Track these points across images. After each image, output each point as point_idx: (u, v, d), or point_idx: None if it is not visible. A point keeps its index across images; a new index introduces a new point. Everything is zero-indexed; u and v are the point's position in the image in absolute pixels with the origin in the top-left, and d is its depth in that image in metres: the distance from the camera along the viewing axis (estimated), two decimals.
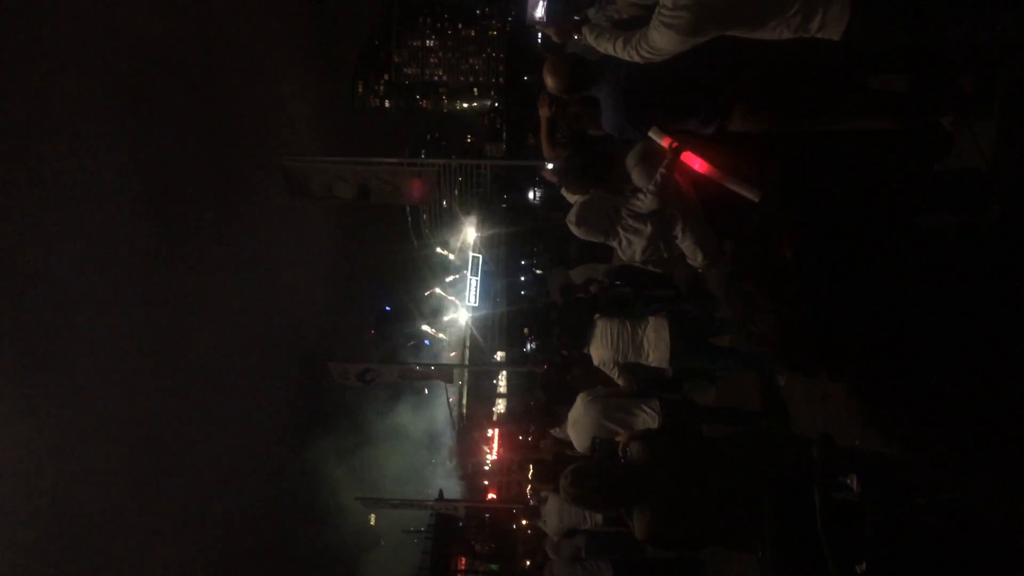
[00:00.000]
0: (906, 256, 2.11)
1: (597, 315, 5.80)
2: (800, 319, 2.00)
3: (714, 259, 4.41)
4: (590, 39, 3.33)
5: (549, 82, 3.94)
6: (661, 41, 2.88)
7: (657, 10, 2.83)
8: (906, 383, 2.04)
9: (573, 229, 4.64)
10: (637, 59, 3.05)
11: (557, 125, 4.75)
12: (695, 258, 4.40)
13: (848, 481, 2.44)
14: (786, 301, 2.00)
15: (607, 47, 3.20)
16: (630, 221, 4.32)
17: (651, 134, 3.76)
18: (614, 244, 4.58)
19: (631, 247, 4.47)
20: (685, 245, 4.32)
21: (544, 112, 4.55)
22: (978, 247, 2.52)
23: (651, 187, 4.05)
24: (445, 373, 14.97)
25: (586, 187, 4.56)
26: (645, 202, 4.16)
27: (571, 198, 4.96)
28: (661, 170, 3.92)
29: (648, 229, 4.32)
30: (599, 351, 5.68)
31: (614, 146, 4.38)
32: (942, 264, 2.11)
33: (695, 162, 3.73)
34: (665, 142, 3.76)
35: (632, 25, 3.27)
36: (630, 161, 4.17)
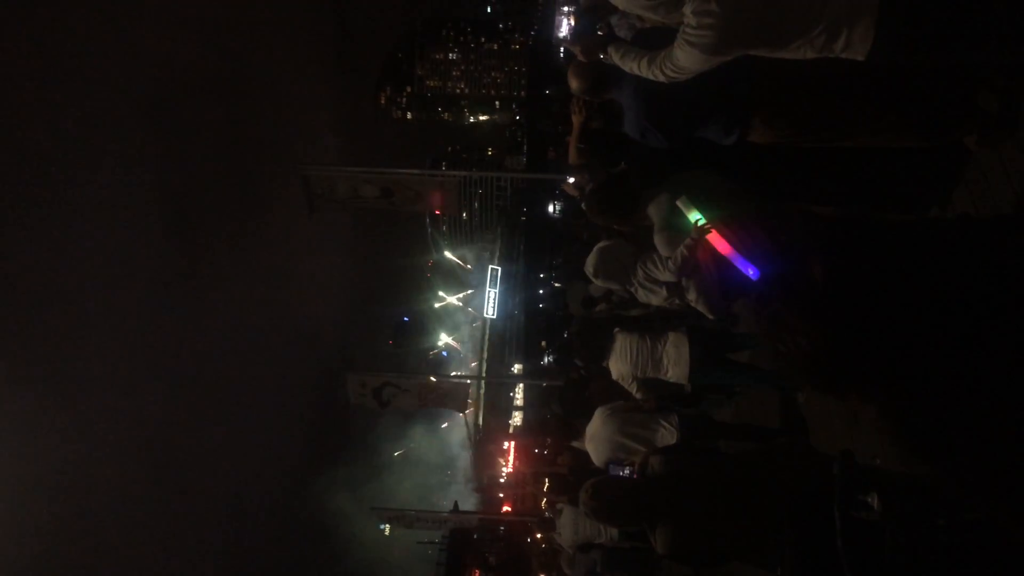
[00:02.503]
0: (940, 276, 2.09)
1: (617, 329, 5.81)
2: (831, 339, 2.00)
3: (722, 318, 4.65)
4: (615, 58, 3.36)
5: (573, 84, 4.01)
6: (685, 60, 2.91)
7: (681, 29, 2.86)
8: (940, 406, 2.02)
9: (590, 276, 4.81)
10: (662, 78, 3.08)
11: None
12: (706, 315, 4.59)
13: (868, 499, 2.44)
14: (816, 321, 1.99)
15: (632, 66, 3.24)
16: (647, 282, 4.50)
17: (679, 203, 3.81)
18: (631, 291, 4.74)
19: (646, 299, 4.75)
20: (698, 307, 4.48)
21: (577, 118, 4.63)
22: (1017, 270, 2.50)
23: (671, 264, 4.18)
24: (460, 402, 14.97)
25: (608, 220, 4.66)
26: (663, 274, 4.33)
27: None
28: (682, 250, 4.01)
29: (663, 292, 4.57)
30: (618, 365, 5.68)
31: (640, 178, 4.45)
32: (977, 284, 2.10)
33: (720, 243, 3.78)
34: (693, 216, 3.82)
35: (654, 35, 3.30)
36: (656, 222, 4.23)
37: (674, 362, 5.49)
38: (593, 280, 4.94)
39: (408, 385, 14.13)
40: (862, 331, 1.96)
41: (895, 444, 2.31)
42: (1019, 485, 2.13)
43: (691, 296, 4.38)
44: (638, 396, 5.78)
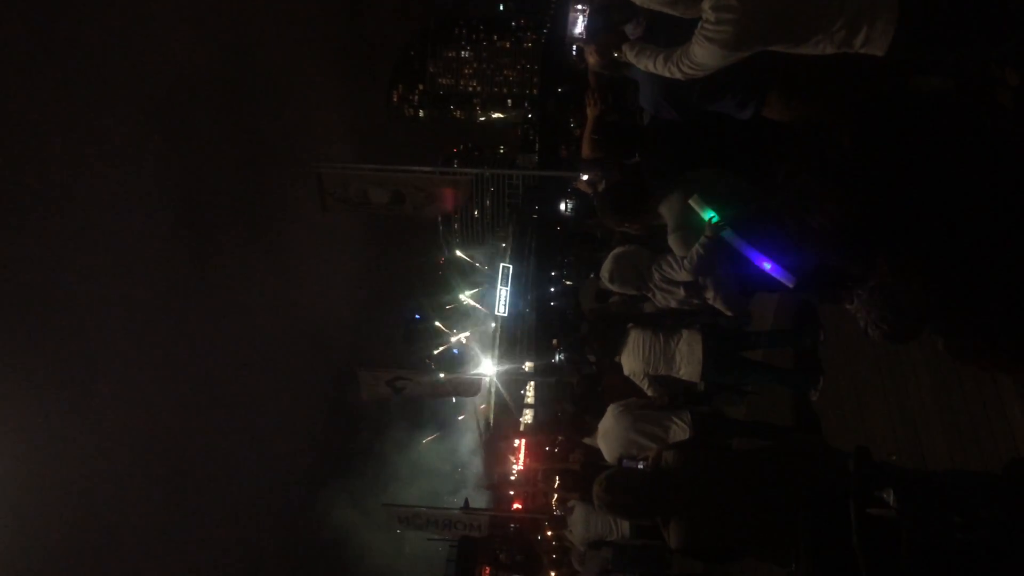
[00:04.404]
0: (967, 144, 2.06)
1: (630, 324, 5.81)
2: (861, 203, 1.96)
3: (741, 315, 4.61)
4: (630, 56, 3.36)
5: (591, 60, 4.01)
6: (703, 56, 2.90)
7: (700, 25, 2.85)
8: (966, 271, 1.97)
9: (606, 283, 4.83)
10: (679, 76, 3.07)
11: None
12: (724, 312, 4.59)
13: (884, 496, 2.43)
14: (846, 187, 1.96)
15: (648, 64, 3.23)
16: (663, 284, 4.52)
17: (692, 202, 3.81)
18: (648, 295, 4.74)
19: (665, 301, 4.72)
20: (717, 304, 4.50)
21: (592, 110, 4.64)
22: None
23: (687, 263, 4.18)
24: (471, 387, 14.99)
25: (620, 221, 4.68)
26: (680, 274, 4.34)
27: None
28: (698, 248, 4.01)
29: (681, 292, 4.54)
30: (630, 362, 5.68)
31: (652, 176, 4.45)
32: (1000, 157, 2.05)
33: (734, 240, 3.77)
34: (706, 214, 3.82)
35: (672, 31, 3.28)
36: (670, 222, 4.24)
37: (687, 360, 5.48)
38: (609, 287, 4.94)
39: (420, 379, 14.20)
40: (892, 195, 1.92)
41: (934, 315, 2.23)
42: None
43: (709, 294, 4.39)
44: (650, 393, 5.78)
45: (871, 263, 2.15)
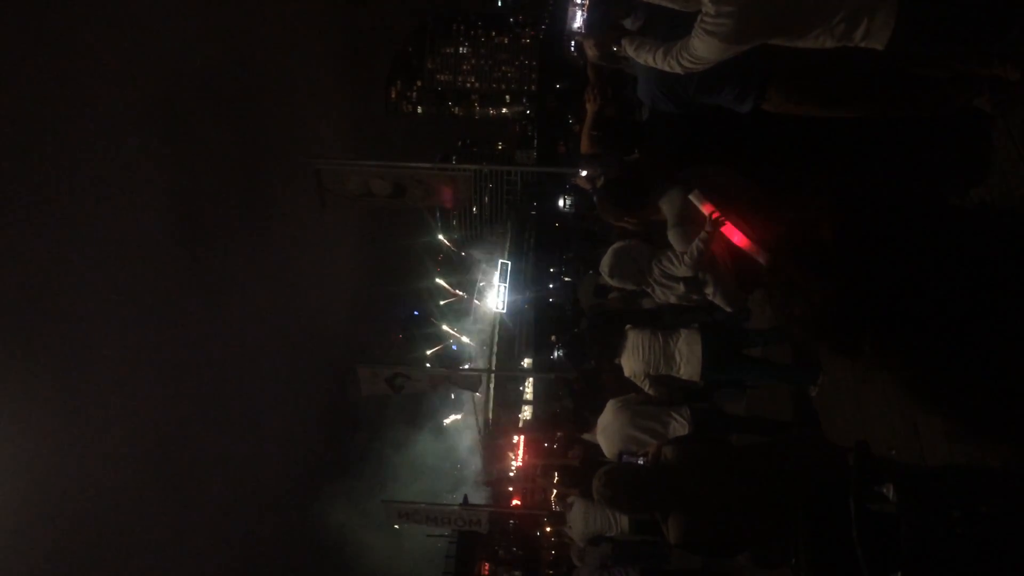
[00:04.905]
0: (944, 232, 2.13)
1: (628, 326, 5.80)
2: (841, 291, 2.01)
3: (740, 309, 4.74)
4: (630, 51, 3.36)
5: (590, 52, 4.02)
6: (703, 49, 2.89)
7: (699, 18, 2.85)
8: (946, 355, 2.04)
9: (605, 278, 4.85)
10: (678, 70, 3.07)
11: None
12: (724, 307, 4.65)
13: (884, 491, 2.44)
14: (826, 277, 2.01)
15: (647, 58, 3.23)
16: (663, 279, 4.56)
17: (692, 197, 3.82)
18: (648, 291, 4.75)
19: (664, 297, 4.74)
20: (716, 300, 4.55)
21: (591, 106, 4.64)
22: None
23: (687, 258, 4.22)
24: (471, 382, 15.03)
25: (620, 215, 4.69)
26: (680, 269, 4.39)
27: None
28: (698, 243, 4.03)
29: (681, 288, 4.56)
30: (630, 363, 5.67)
31: (652, 172, 4.45)
32: (979, 241, 2.12)
33: (734, 235, 3.77)
34: (706, 209, 3.81)
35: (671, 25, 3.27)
36: (670, 217, 4.25)
37: (686, 360, 5.47)
38: (608, 281, 4.96)
39: (419, 375, 14.20)
40: (872, 282, 1.97)
41: (909, 395, 2.31)
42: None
43: (709, 290, 4.40)
44: (650, 392, 5.77)
45: (856, 348, 2.20)
